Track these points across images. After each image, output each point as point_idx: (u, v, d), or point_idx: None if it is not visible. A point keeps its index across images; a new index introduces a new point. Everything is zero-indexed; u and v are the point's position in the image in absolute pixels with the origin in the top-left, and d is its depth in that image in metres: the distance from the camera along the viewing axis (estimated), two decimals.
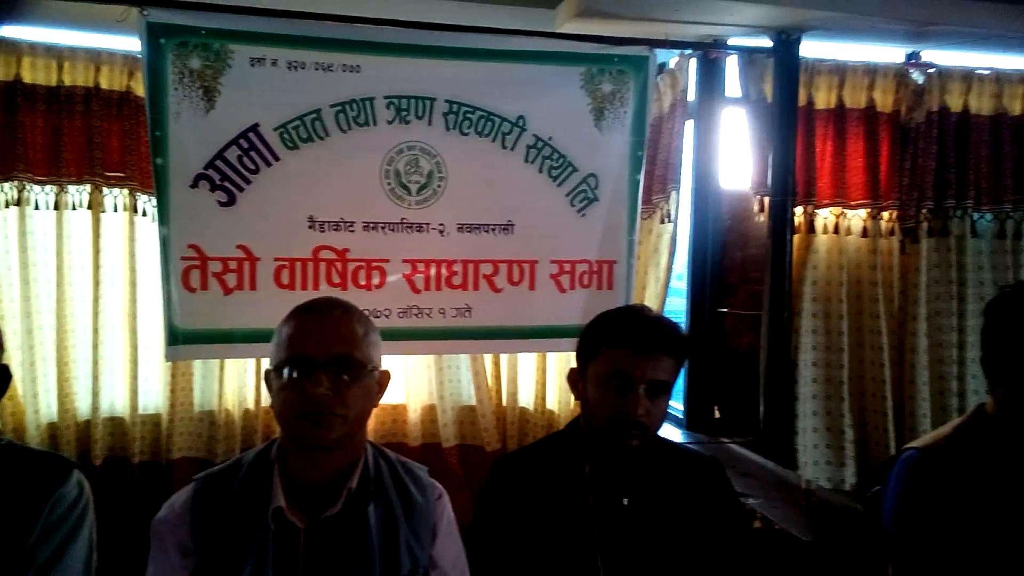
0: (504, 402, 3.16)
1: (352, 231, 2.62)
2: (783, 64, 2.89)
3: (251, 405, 2.92)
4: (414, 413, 3.09)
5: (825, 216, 3.05)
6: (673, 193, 3.00)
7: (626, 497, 1.48)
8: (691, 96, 3.07)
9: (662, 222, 3.04)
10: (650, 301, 3.05)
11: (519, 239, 2.76)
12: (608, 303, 2.79)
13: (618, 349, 1.44)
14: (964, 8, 2.78)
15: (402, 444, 3.07)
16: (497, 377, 3.16)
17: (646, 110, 2.80)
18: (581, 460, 1.50)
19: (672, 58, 3.02)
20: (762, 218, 3.01)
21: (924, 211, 3.08)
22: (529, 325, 2.80)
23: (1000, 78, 3.12)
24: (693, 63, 3.03)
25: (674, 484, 1.52)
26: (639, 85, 2.78)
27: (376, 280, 2.65)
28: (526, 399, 3.16)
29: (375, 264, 2.64)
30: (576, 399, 1.56)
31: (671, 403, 3.37)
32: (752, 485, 2.52)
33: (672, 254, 3.03)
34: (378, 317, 2.64)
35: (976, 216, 3.14)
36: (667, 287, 3.05)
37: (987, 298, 3.19)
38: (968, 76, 3.09)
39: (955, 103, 3.09)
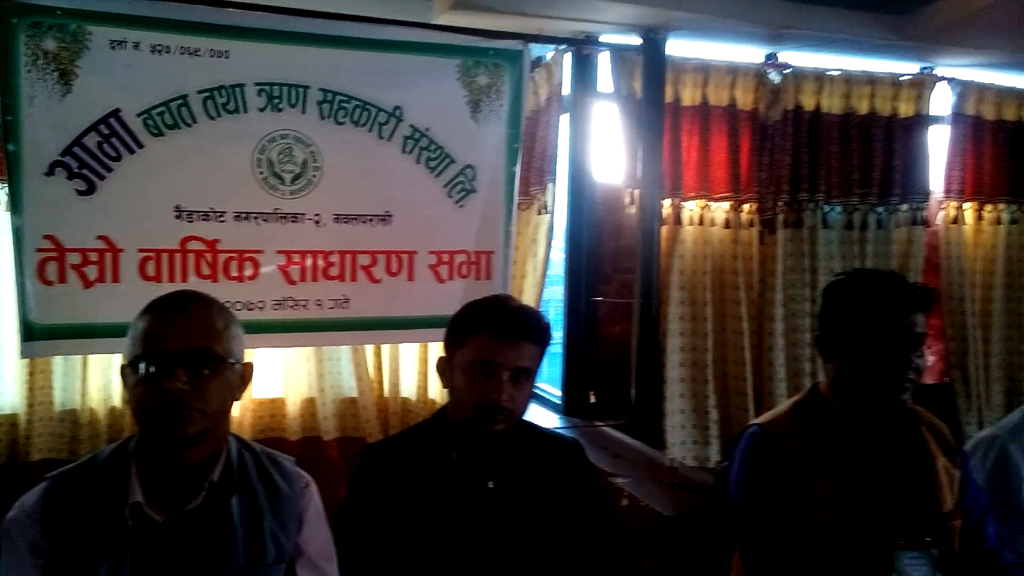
0: (386, 393, 3.16)
1: (222, 221, 2.55)
2: (651, 62, 3.01)
3: (117, 403, 2.80)
4: (293, 406, 3.05)
5: (691, 208, 3.21)
6: (550, 185, 3.08)
7: (491, 480, 1.53)
8: (567, 90, 3.15)
9: (540, 213, 3.11)
10: (529, 290, 3.13)
11: (397, 230, 2.76)
12: (487, 293, 2.85)
13: (483, 337, 1.49)
14: (817, 14, 2.98)
15: (280, 439, 3.03)
16: (379, 368, 3.16)
17: (521, 103, 2.86)
18: (448, 446, 1.55)
19: (549, 52, 3.10)
20: (633, 210, 3.13)
21: (781, 204, 3.29)
22: (409, 315, 2.81)
23: (849, 79, 3.35)
24: (568, 58, 3.12)
25: (537, 466, 1.59)
26: (514, 78, 2.83)
27: (249, 272, 2.60)
28: (408, 389, 3.17)
29: (247, 255, 2.59)
30: (444, 387, 1.60)
31: (549, 389, 3.50)
32: (622, 465, 2.64)
33: (549, 244, 3.11)
34: (251, 309, 2.60)
35: (827, 208, 3.38)
36: (545, 276, 3.13)
37: None
38: (820, 77, 3.31)
39: (808, 102, 3.30)
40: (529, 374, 1.52)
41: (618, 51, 3.06)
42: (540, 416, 3.31)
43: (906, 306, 1.60)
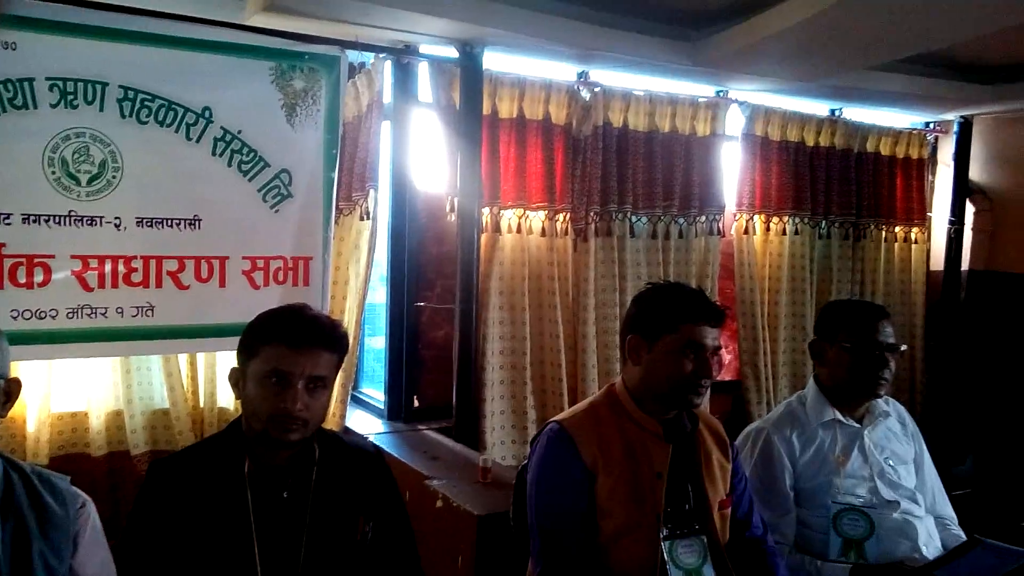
0: (202, 404, 3.05)
1: (8, 224, 2.38)
2: (468, 74, 3.10)
3: None
4: (97, 420, 2.88)
5: (509, 217, 3.33)
6: (372, 191, 3.09)
7: (286, 491, 1.53)
8: (388, 98, 3.18)
9: (362, 219, 3.11)
10: (352, 296, 3.13)
11: (207, 234, 2.68)
12: (305, 299, 2.83)
13: (276, 346, 1.49)
14: (621, 38, 3.17)
15: (83, 455, 2.86)
16: (193, 378, 3.04)
17: (339, 109, 2.86)
18: (241, 457, 1.53)
19: (371, 59, 3.11)
20: (454, 218, 3.21)
21: (592, 214, 3.48)
22: (221, 323, 2.73)
23: (653, 99, 3.60)
24: (388, 66, 3.15)
25: (335, 476, 1.60)
26: (331, 84, 2.83)
27: (39, 278, 2.44)
28: (226, 399, 3.07)
29: (38, 260, 2.43)
30: (237, 398, 1.58)
31: (373, 394, 3.50)
32: (440, 468, 2.70)
33: (372, 250, 3.12)
34: (43, 318, 2.44)
35: (634, 219, 3.61)
36: (368, 282, 3.14)
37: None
38: (627, 96, 3.53)
39: (616, 119, 3.51)
40: (325, 383, 1.53)
41: (437, 62, 3.13)
42: (363, 421, 3.31)
43: (704, 321, 1.75)
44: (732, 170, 3.94)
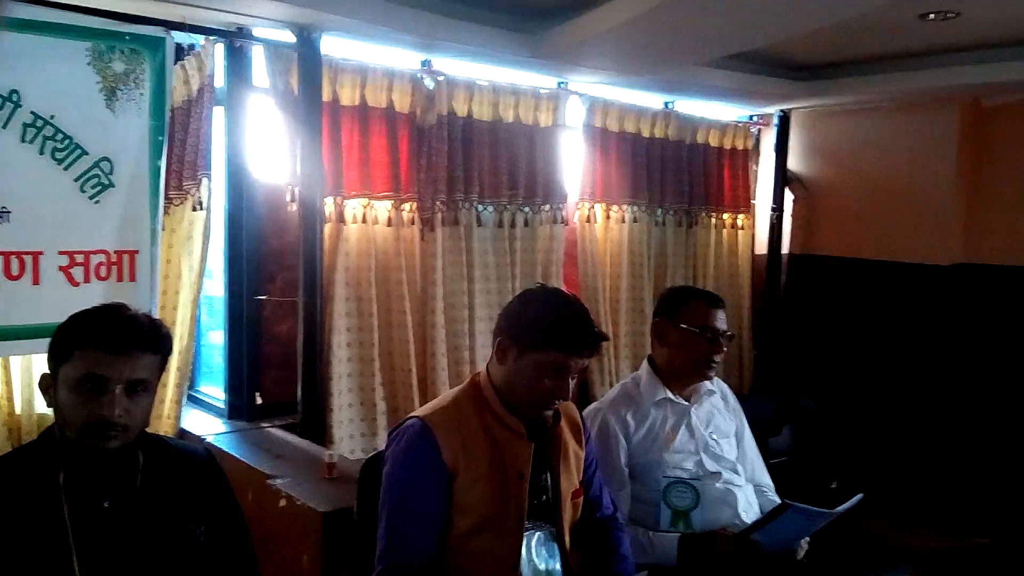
0: (18, 410, 2.81)
1: None
2: (306, 59, 3.01)
3: None
4: None
5: (354, 207, 3.27)
6: (205, 180, 2.95)
7: (107, 500, 1.45)
8: (221, 82, 3.03)
9: (194, 209, 2.96)
10: (185, 291, 2.97)
11: (17, 228, 2.47)
12: (130, 295, 2.68)
13: (91, 350, 1.40)
14: (463, 28, 3.18)
15: None
16: (8, 383, 2.79)
17: (165, 93, 2.70)
18: (55, 468, 1.43)
19: (201, 41, 2.95)
20: (295, 208, 3.12)
21: (439, 203, 3.48)
22: (36, 323, 2.52)
23: (496, 90, 3.65)
24: (221, 49, 3.00)
25: (161, 482, 1.53)
26: (156, 67, 2.67)
27: None
28: (45, 405, 2.84)
29: None
30: (48, 405, 1.48)
31: (212, 392, 3.35)
32: (284, 466, 2.63)
33: (207, 242, 2.98)
34: None
35: (480, 208, 3.65)
36: (202, 275, 3.00)
37: (491, 279, 3.73)
38: (471, 86, 3.55)
39: (461, 109, 3.53)
40: (147, 386, 1.46)
41: (273, 47, 3.02)
42: (202, 422, 3.17)
43: (576, 353, 1.72)
44: (574, 160, 4.07)
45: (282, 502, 2.38)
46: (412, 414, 1.86)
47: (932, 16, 3.23)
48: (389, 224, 3.37)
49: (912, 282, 4.48)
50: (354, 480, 2.23)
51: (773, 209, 4.95)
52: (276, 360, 3.30)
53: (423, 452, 1.74)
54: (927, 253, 4.45)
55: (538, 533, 1.80)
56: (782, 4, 2.71)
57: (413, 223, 3.45)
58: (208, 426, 3.11)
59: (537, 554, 1.79)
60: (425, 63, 3.44)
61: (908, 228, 4.51)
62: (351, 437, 3.26)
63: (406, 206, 3.42)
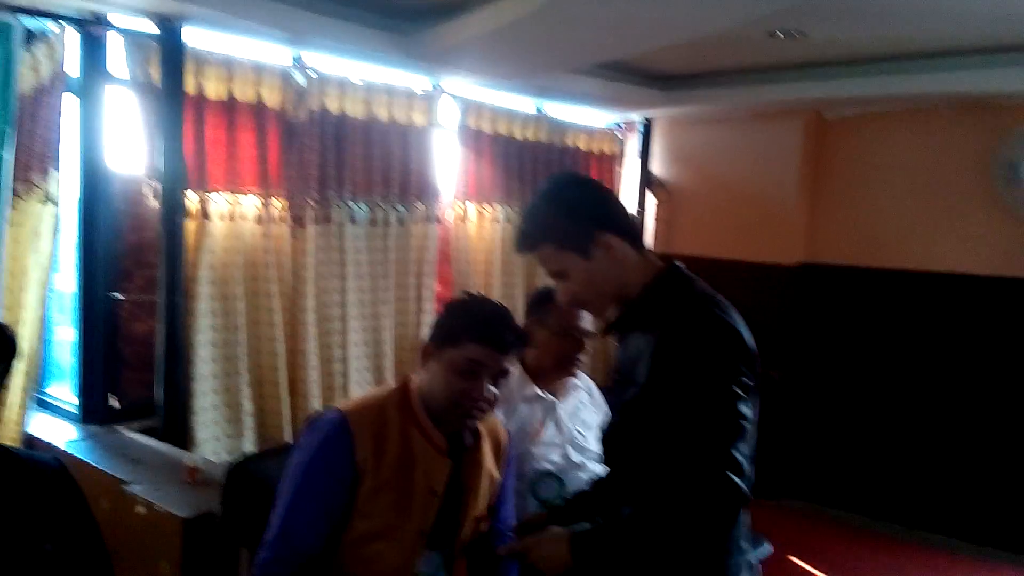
0: None
1: None
2: (168, 50, 2.90)
3: None
4: None
5: (219, 203, 3.18)
6: (54, 172, 2.78)
7: None
8: (75, 71, 2.87)
9: (43, 203, 2.79)
10: (33, 288, 2.80)
11: None
12: None
13: None
14: (334, 26, 3.16)
15: None
16: None
17: (12, 82, 2.54)
18: None
19: (53, 27, 2.78)
20: (155, 203, 2.99)
21: (310, 200, 3.43)
22: None
23: (370, 88, 3.63)
24: (76, 37, 2.84)
25: (5, 496, 1.45)
26: (3, 54, 2.50)
27: None
28: None
29: None
30: None
31: (63, 395, 3.17)
32: (142, 471, 2.53)
33: (56, 237, 2.81)
34: None
35: (354, 206, 3.62)
36: (50, 271, 2.83)
37: (365, 277, 3.71)
38: (344, 83, 3.52)
39: (333, 106, 3.49)
40: None
41: (132, 36, 2.89)
42: (52, 427, 3.00)
43: (491, 346, 1.72)
44: (449, 160, 4.11)
45: (140, 509, 2.30)
46: (336, 406, 1.82)
47: (780, 34, 3.49)
48: (258, 221, 3.29)
49: (762, 280, 4.81)
50: (218, 484, 2.19)
51: (638, 211, 5.18)
52: (134, 361, 3.16)
53: (334, 447, 1.70)
54: (774, 254, 4.79)
55: (428, 553, 1.77)
56: (644, 21, 2.85)
57: (283, 220, 3.38)
58: (59, 431, 2.94)
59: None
60: (296, 59, 3.38)
61: (758, 230, 4.84)
62: (216, 439, 3.17)
63: (276, 203, 3.35)
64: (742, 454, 1.38)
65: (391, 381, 2.03)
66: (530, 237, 1.60)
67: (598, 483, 1.71)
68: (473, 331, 1.72)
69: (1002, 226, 4.12)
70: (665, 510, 1.38)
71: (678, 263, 1.62)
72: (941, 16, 3.16)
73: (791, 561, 3.94)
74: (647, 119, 5.13)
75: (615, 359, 1.69)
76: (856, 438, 4.64)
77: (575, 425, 2.42)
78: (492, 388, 1.75)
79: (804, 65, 4.07)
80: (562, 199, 1.59)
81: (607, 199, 1.63)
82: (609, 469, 1.69)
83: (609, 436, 1.65)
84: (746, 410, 1.41)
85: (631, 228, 1.61)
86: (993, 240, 4.17)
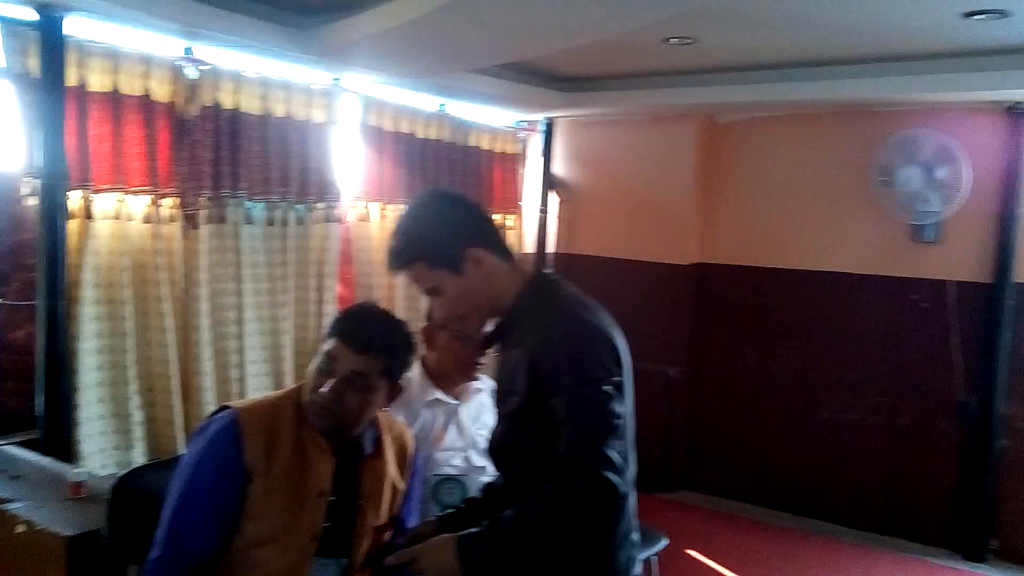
0: None
1: None
2: (48, 40, 2.73)
3: None
4: None
5: (104, 202, 3.02)
6: None
7: None
8: None
9: None
10: None
11: None
12: None
13: None
14: (228, 19, 3.05)
15: None
16: None
17: None
18: None
19: None
20: (34, 202, 2.82)
21: (203, 199, 3.31)
22: None
23: (266, 83, 3.53)
24: None
25: None
26: None
27: None
28: None
29: None
30: None
31: None
32: (21, 488, 2.40)
33: None
34: None
35: (250, 205, 3.51)
36: None
37: (262, 279, 3.60)
38: (238, 78, 3.41)
39: (227, 100, 3.37)
40: None
41: (9, 24, 2.71)
42: None
43: (342, 338, 1.73)
44: (350, 158, 4.04)
45: (20, 528, 2.17)
46: (230, 404, 1.80)
47: (673, 41, 3.60)
48: (147, 221, 3.15)
49: (659, 280, 4.95)
50: (105, 499, 2.09)
51: (541, 210, 5.24)
52: (11, 370, 2.98)
53: (224, 447, 1.70)
54: (671, 254, 4.95)
55: (324, 560, 1.75)
56: (539, 25, 2.88)
57: (174, 220, 3.24)
58: None
59: None
60: (188, 51, 3.25)
61: (655, 231, 4.99)
62: (102, 451, 3.01)
63: (166, 202, 3.21)
64: (617, 452, 1.44)
65: (291, 385, 2.01)
66: (402, 255, 1.61)
67: (489, 489, 1.74)
68: (334, 327, 1.76)
69: (878, 228, 4.39)
70: (546, 510, 1.43)
71: (547, 270, 1.69)
72: (824, 27, 3.33)
73: (688, 554, 4.08)
74: (549, 120, 5.19)
75: (496, 370, 1.73)
76: (749, 430, 4.85)
77: (478, 428, 2.43)
78: (343, 392, 1.71)
79: (696, 71, 4.21)
80: (432, 217, 1.62)
81: (476, 214, 1.66)
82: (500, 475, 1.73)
83: (496, 445, 1.69)
84: (619, 408, 1.48)
85: (500, 241, 1.66)
86: (870, 241, 4.44)
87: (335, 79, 3.84)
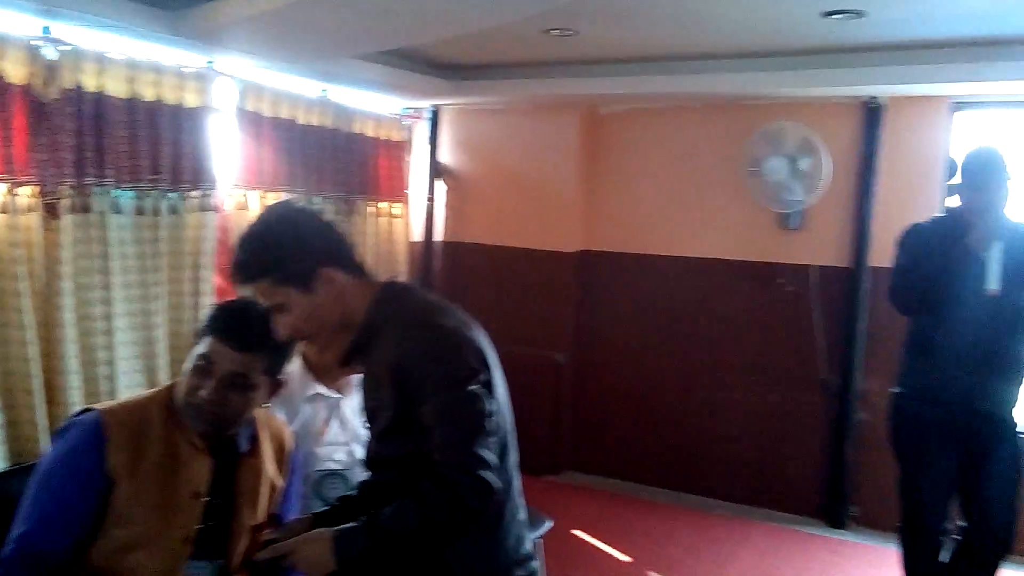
0: None
1: None
2: None
3: None
4: None
5: None
6: None
7: None
8: None
9: None
10: None
11: None
12: None
13: None
14: None
15: None
16: None
17: None
18: None
19: None
20: None
21: (66, 188, 3.12)
22: None
23: (134, 65, 3.35)
24: None
25: None
26: None
27: None
28: None
29: None
30: None
31: None
32: None
33: None
34: None
35: (117, 193, 3.34)
36: None
37: (133, 271, 3.43)
38: (102, 59, 3.22)
39: (91, 83, 3.18)
40: None
41: None
42: None
43: (222, 338, 1.70)
44: (227, 144, 3.90)
45: None
46: (95, 405, 1.75)
47: (555, 32, 3.66)
48: (4, 211, 2.94)
49: (545, 267, 5.04)
50: None
51: (427, 199, 5.22)
52: None
53: (85, 450, 1.65)
54: (556, 241, 5.04)
55: (197, 563, 1.72)
56: (418, 13, 2.86)
57: (33, 210, 3.04)
58: None
59: None
60: (46, 30, 3.04)
61: (541, 219, 5.07)
62: None
63: (23, 191, 3.01)
64: (490, 450, 1.48)
65: (165, 384, 1.95)
66: (248, 270, 1.56)
67: (365, 487, 1.75)
68: (211, 325, 1.72)
69: (749, 215, 4.62)
70: (424, 508, 1.45)
71: (395, 279, 1.68)
72: (695, 23, 3.47)
73: (573, 535, 4.20)
74: (434, 107, 5.17)
75: (362, 388, 1.72)
76: (632, 412, 5.02)
77: (361, 422, 2.41)
78: (225, 394, 1.70)
79: (578, 62, 4.30)
80: (285, 233, 1.56)
81: (330, 232, 1.63)
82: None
83: (372, 458, 1.68)
84: (489, 406, 1.51)
85: (353, 259, 1.63)
86: (741, 228, 4.66)
87: (209, 62, 3.69)
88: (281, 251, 1.54)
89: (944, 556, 3.02)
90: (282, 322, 1.58)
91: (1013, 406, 2.93)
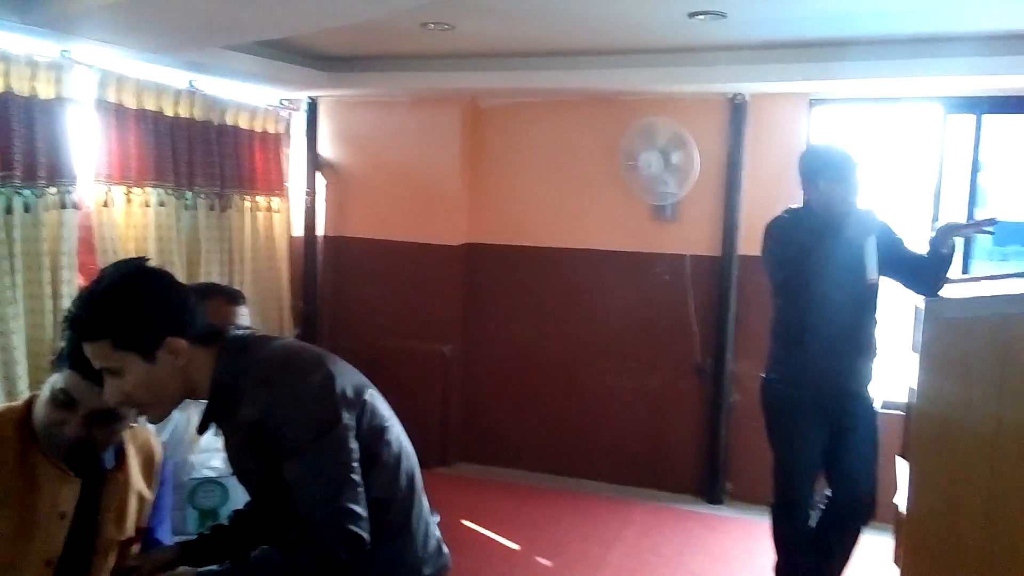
0: None
1: None
2: None
3: None
4: None
5: None
6: None
7: None
8: None
9: None
10: None
11: None
12: None
13: None
14: None
15: None
16: None
17: None
18: None
19: None
20: None
21: None
22: None
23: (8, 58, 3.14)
24: None
25: None
26: None
27: None
28: None
29: None
30: None
31: None
32: None
33: None
34: None
35: None
36: None
37: None
38: None
39: None
40: None
41: None
42: None
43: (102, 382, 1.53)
44: (87, 138, 3.68)
45: None
46: None
47: (432, 26, 3.64)
48: None
49: (430, 260, 5.04)
50: None
51: (307, 193, 5.11)
52: None
53: None
54: (441, 234, 5.04)
55: None
56: (284, 4, 2.79)
57: None
58: None
59: None
60: None
61: (425, 212, 5.05)
62: None
63: None
64: (356, 502, 1.46)
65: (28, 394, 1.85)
66: (86, 329, 1.45)
67: (237, 516, 1.72)
68: (71, 357, 1.58)
69: (627, 207, 4.76)
70: (291, 561, 1.44)
71: (236, 333, 1.57)
72: (567, 20, 3.54)
73: (462, 524, 4.23)
74: (312, 98, 5.05)
75: (225, 451, 1.68)
76: (520, 402, 5.09)
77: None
78: (89, 429, 1.62)
79: (457, 56, 4.30)
80: (132, 295, 1.45)
81: (182, 301, 1.51)
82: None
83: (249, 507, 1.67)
84: (353, 450, 1.48)
85: (202, 328, 1.52)
86: (620, 220, 4.80)
87: (64, 51, 3.47)
88: (125, 314, 1.43)
89: (811, 522, 3.22)
90: (115, 387, 1.46)
91: (870, 383, 3.15)
